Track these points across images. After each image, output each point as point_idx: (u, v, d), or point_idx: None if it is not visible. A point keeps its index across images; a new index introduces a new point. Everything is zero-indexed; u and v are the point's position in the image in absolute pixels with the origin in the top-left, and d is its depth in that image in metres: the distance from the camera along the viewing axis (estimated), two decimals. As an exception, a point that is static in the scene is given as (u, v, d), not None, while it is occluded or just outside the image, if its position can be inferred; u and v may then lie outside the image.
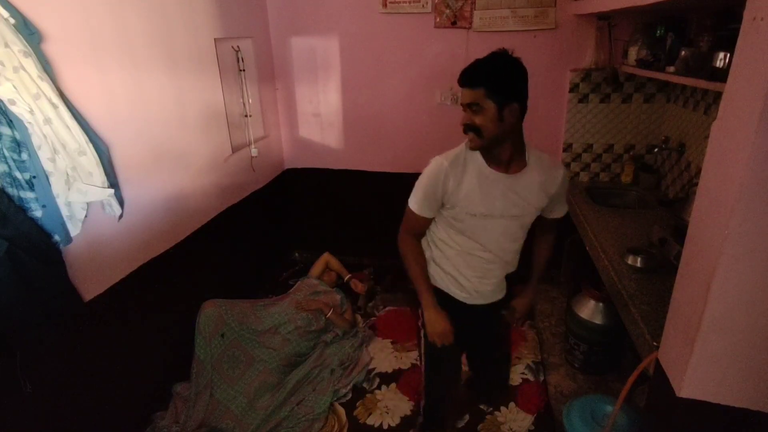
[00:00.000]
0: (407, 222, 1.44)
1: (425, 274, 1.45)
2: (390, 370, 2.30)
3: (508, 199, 1.34)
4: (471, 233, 1.39)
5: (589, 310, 2.05)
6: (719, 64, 1.37)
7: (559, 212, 1.50)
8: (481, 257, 1.42)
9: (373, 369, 2.32)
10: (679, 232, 1.58)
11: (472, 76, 1.22)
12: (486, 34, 2.59)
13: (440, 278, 1.49)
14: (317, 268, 2.80)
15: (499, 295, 1.54)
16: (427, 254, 1.50)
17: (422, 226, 1.44)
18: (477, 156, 1.33)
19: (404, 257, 1.45)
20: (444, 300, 1.46)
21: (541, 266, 1.59)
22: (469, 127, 1.24)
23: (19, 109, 1.29)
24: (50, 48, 1.43)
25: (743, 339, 0.88)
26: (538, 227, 1.53)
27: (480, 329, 1.59)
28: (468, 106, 1.23)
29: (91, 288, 1.64)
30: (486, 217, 1.34)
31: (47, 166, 1.39)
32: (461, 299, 1.49)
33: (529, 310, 1.57)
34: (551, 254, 1.59)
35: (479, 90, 1.20)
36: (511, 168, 1.33)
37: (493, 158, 1.32)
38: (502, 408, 2.03)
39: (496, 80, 1.21)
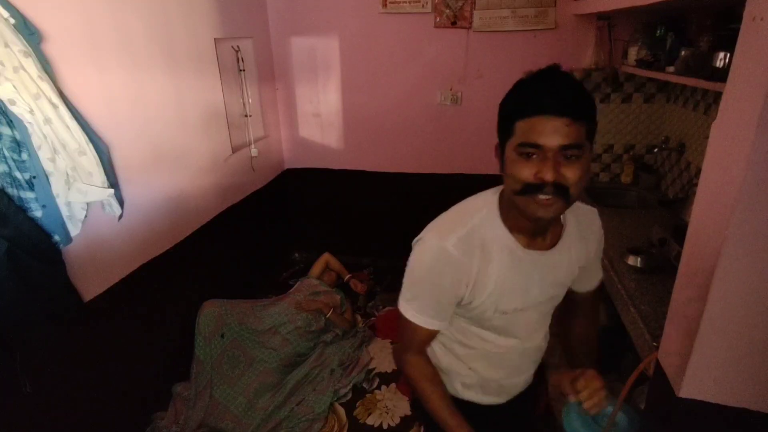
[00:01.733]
0: (409, 339, 0.98)
1: (449, 403, 0.97)
2: (390, 370, 2.30)
3: (546, 281, 0.95)
4: (500, 332, 1.00)
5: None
6: (719, 64, 1.37)
7: (593, 281, 1.08)
8: (511, 354, 1.04)
9: (373, 369, 2.32)
10: (679, 232, 1.58)
11: (574, 100, 0.75)
12: (486, 34, 2.59)
13: (461, 390, 1.09)
14: (317, 268, 2.80)
15: (531, 381, 1.15)
16: (438, 362, 1.08)
17: (431, 339, 1.00)
18: (499, 229, 0.89)
19: (415, 384, 1.00)
20: (465, 412, 1.02)
21: (587, 349, 1.13)
22: (557, 188, 0.76)
23: (19, 109, 1.29)
24: (50, 48, 1.43)
25: (743, 339, 0.88)
26: (567, 309, 1.13)
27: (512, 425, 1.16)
28: (563, 151, 0.75)
29: (91, 288, 1.64)
30: (520, 311, 0.96)
31: (47, 166, 1.39)
32: (489, 403, 1.10)
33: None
34: (595, 340, 1.12)
35: (582, 126, 0.76)
36: (548, 239, 0.93)
37: (526, 230, 0.89)
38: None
39: (594, 117, 0.80)
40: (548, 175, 0.75)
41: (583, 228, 0.98)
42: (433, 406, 0.96)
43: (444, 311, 0.93)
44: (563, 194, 0.77)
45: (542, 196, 0.77)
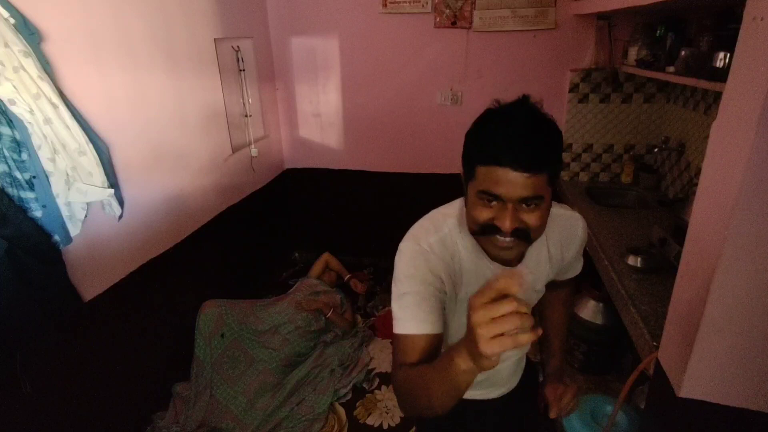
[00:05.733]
0: (403, 355, 0.83)
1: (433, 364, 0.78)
2: (390, 370, 2.30)
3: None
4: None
5: (589, 310, 2.05)
6: (719, 64, 1.37)
7: (573, 272, 1.11)
8: None
9: (373, 369, 2.32)
10: (679, 232, 1.58)
11: (534, 153, 0.72)
12: (486, 34, 2.59)
13: None
14: (317, 268, 2.80)
15: (516, 378, 1.15)
16: None
17: (428, 351, 0.83)
18: (467, 238, 0.88)
19: (411, 388, 0.78)
20: (461, 410, 0.98)
21: (560, 335, 1.17)
22: (516, 232, 0.76)
23: (19, 109, 1.29)
24: (50, 48, 1.43)
25: (743, 339, 0.88)
26: (546, 298, 1.16)
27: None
28: (523, 202, 0.75)
29: (91, 288, 1.64)
30: None
31: (47, 166, 1.39)
32: (481, 398, 1.10)
33: (573, 397, 1.02)
34: (567, 317, 1.20)
35: (542, 176, 0.74)
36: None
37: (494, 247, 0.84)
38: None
39: (558, 158, 0.78)
40: (506, 225, 0.75)
41: (555, 232, 0.95)
42: (429, 379, 0.75)
43: (432, 310, 0.83)
44: (524, 237, 0.78)
45: (501, 238, 0.78)
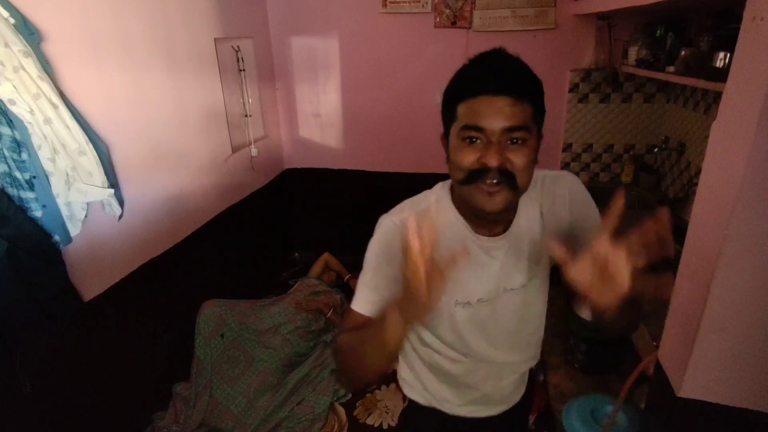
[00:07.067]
0: (349, 326, 0.85)
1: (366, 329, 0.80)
2: (389, 370, 2.30)
3: (512, 268, 0.87)
4: (467, 333, 0.89)
5: (590, 310, 2.05)
6: (719, 64, 1.36)
7: None
8: (490, 363, 0.95)
9: (373, 369, 2.31)
10: (679, 232, 1.58)
11: (517, 79, 0.71)
12: (486, 34, 2.59)
13: (432, 389, 1.02)
14: (317, 268, 2.80)
15: (519, 395, 1.08)
16: (424, 383, 1.03)
17: None
18: (451, 213, 0.85)
19: (348, 349, 0.81)
20: (439, 422, 1.01)
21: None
22: (502, 174, 0.71)
23: (19, 109, 1.29)
24: (50, 48, 1.43)
25: (743, 339, 0.88)
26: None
27: None
28: (508, 133, 0.70)
29: (91, 288, 1.64)
30: (486, 303, 0.88)
31: (47, 166, 1.39)
32: (477, 415, 1.02)
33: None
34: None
35: (526, 105, 0.71)
36: (501, 225, 0.85)
37: (476, 218, 0.83)
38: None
39: (541, 96, 0.75)
40: (492, 160, 0.70)
41: (546, 192, 0.87)
42: (362, 337, 0.77)
43: (385, 295, 0.81)
44: (509, 181, 0.72)
45: (487, 182, 0.72)
